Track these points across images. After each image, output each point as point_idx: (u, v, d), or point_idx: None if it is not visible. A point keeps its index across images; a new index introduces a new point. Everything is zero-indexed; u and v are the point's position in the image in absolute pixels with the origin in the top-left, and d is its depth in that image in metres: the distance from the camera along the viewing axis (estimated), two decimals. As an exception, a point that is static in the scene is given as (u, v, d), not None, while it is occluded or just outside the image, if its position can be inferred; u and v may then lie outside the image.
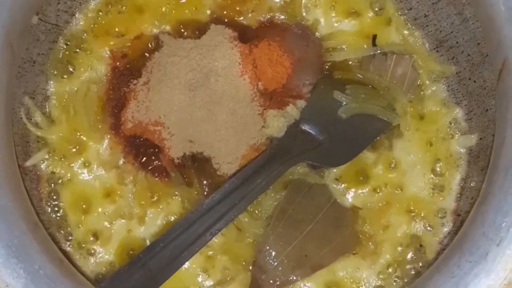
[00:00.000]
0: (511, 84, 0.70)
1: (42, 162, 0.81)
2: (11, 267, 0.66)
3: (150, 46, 0.83)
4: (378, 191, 0.82)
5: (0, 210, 0.68)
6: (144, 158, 0.81)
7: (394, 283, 0.80)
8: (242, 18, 0.84)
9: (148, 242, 0.80)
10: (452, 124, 0.83)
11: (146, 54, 0.83)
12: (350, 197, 0.82)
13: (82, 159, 0.82)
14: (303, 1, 0.85)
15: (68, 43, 0.83)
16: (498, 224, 0.67)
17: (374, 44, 0.84)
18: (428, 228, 0.81)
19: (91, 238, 0.80)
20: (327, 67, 0.84)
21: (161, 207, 0.81)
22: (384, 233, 0.81)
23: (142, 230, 0.81)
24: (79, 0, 0.83)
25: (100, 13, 0.84)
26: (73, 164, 0.81)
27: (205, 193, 0.80)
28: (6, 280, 0.65)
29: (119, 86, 0.83)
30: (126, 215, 0.80)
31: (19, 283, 0.66)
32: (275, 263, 0.78)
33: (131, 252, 0.80)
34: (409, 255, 0.81)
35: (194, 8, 0.85)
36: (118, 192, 0.81)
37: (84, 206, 0.81)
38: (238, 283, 0.80)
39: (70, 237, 0.80)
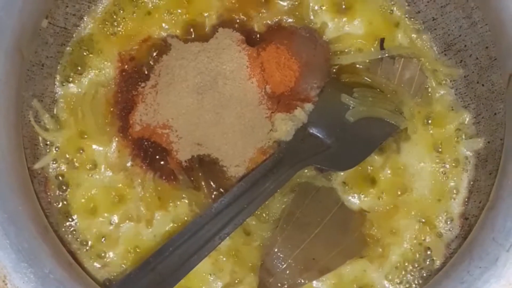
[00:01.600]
0: (521, 89, 0.71)
1: (50, 164, 0.81)
2: (22, 272, 0.66)
3: (158, 49, 0.83)
4: (386, 194, 0.82)
5: (10, 214, 0.68)
6: (152, 161, 0.81)
7: (402, 287, 0.80)
8: (250, 21, 0.84)
9: (156, 245, 0.80)
10: (460, 128, 0.83)
11: (154, 57, 0.83)
12: (357, 200, 0.82)
13: (90, 161, 0.82)
14: (311, 4, 0.85)
15: (77, 46, 0.84)
16: (508, 229, 0.66)
17: (382, 48, 0.84)
18: (436, 231, 0.81)
19: (99, 241, 0.80)
20: (334, 70, 0.84)
21: (169, 210, 0.81)
22: (391, 236, 0.81)
23: (150, 232, 0.81)
24: (87, 3, 0.84)
25: (108, 16, 0.84)
26: (81, 167, 0.82)
27: (213, 196, 0.80)
28: (16, 284, 0.65)
29: (127, 89, 0.83)
30: (134, 217, 0.81)
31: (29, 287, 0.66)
32: (283, 266, 0.78)
33: (139, 254, 0.80)
34: (417, 259, 0.81)
35: (202, 12, 0.85)
36: (126, 195, 0.81)
37: (92, 209, 0.81)
38: (245, 286, 0.80)
39: (78, 240, 0.80)
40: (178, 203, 0.81)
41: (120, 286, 0.71)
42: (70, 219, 0.81)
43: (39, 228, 0.71)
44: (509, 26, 0.71)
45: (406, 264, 0.80)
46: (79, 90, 0.83)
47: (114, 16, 0.84)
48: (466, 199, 0.82)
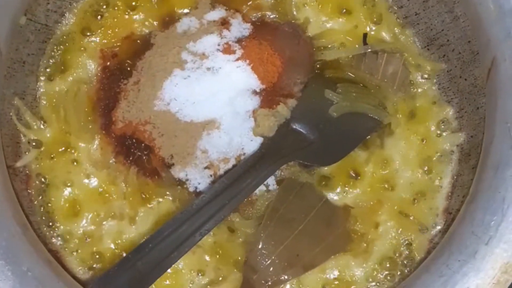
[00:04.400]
0: (500, 83, 0.70)
1: (32, 162, 0.81)
2: (-1, 269, 0.66)
3: (140, 45, 0.83)
4: (370, 189, 0.82)
5: (-12, 213, 0.67)
6: (135, 158, 0.81)
7: (385, 282, 0.80)
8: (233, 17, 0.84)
9: (139, 242, 0.79)
10: (443, 122, 0.83)
11: (136, 53, 0.82)
12: (341, 196, 0.82)
13: (73, 159, 0.81)
14: (294, 0, 0.84)
15: (58, 43, 0.83)
16: (486, 222, 0.66)
17: (365, 43, 0.84)
18: (419, 226, 0.81)
19: (82, 239, 0.80)
20: (318, 65, 0.84)
21: (152, 207, 0.81)
22: (375, 231, 0.81)
23: (133, 230, 0.80)
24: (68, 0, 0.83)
25: (90, 13, 0.84)
26: (64, 165, 0.81)
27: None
28: (-6, 282, 0.65)
29: (110, 86, 0.82)
30: (117, 215, 0.80)
31: (6, 285, 0.65)
32: (267, 263, 0.77)
33: (121, 252, 0.80)
34: (401, 253, 0.80)
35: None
36: (109, 193, 0.81)
37: (74, 207, 0.80)
38: (229, 283, 0.80)
39: (59, 238, 0.80)
40: (162, 200, 0.81)
41: (99, 283, 0.71)
42: (52, 217, 0.80)
43: (18, 226, 0.70)
44: (486, 20, 0.71)
45: (390, 259, 0.80)
46: (61, 87, 0.82)
47: (96, 13, 0.84)
48: (450, 194, 0.82)
